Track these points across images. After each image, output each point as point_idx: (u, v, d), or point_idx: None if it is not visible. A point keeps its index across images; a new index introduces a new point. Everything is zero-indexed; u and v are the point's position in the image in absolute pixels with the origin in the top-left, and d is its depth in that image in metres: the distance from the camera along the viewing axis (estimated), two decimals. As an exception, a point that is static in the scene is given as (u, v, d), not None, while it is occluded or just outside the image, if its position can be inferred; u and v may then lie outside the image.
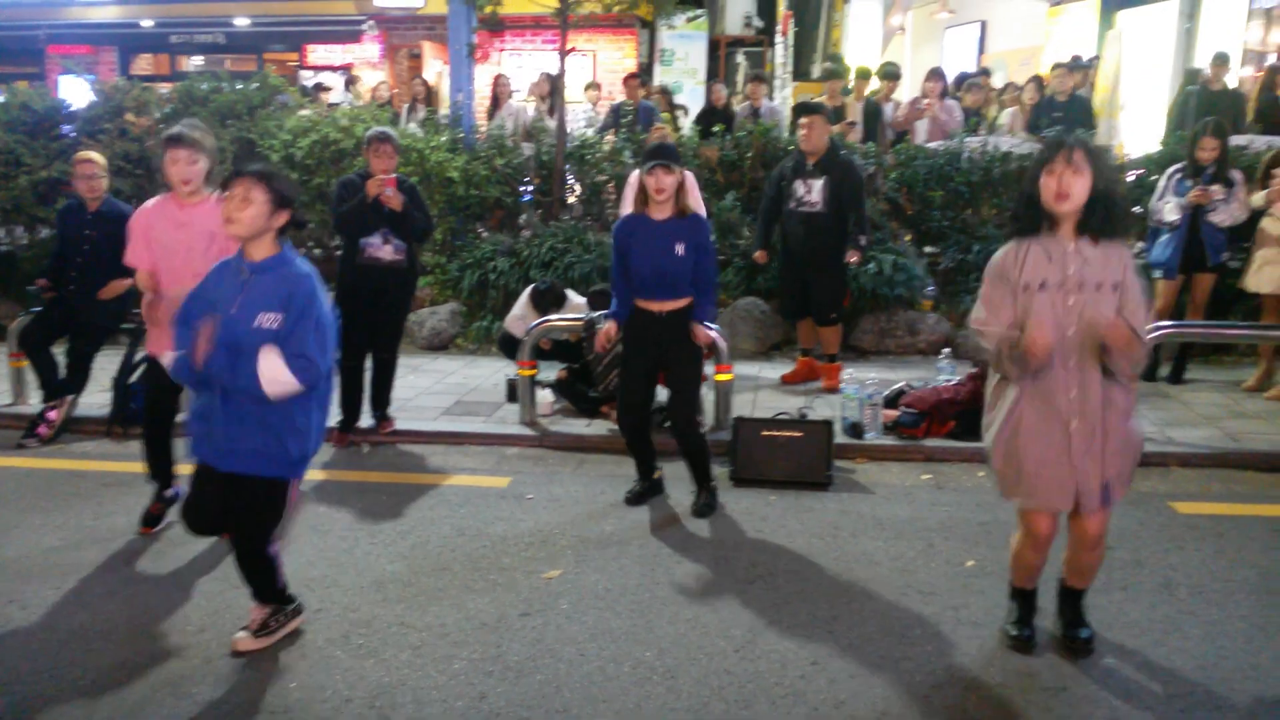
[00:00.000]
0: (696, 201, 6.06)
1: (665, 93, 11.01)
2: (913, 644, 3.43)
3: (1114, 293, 3.02)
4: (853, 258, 6.37)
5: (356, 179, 5.54)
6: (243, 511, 3.28)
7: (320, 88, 11.67)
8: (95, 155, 5.82)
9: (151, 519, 4.49)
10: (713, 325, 4.79)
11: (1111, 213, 3.02)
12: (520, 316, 6.51)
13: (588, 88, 11.66)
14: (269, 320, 3.10)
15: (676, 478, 5.17)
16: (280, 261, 3.21)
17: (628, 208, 5.37)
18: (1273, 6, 13.13)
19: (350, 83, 11.38)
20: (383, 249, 5.52)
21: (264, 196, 3.14)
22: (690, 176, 5.62)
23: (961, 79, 10.51)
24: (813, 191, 6.30)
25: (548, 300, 6.44)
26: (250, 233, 3.16)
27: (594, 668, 3.29)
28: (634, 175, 5.45)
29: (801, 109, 6.77)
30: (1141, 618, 3.55)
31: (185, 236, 4.22)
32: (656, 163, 4.40)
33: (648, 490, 4.85)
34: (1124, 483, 3.17)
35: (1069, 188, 2.98)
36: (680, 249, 4.44)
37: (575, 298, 6.59)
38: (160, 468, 4.48)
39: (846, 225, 6.35)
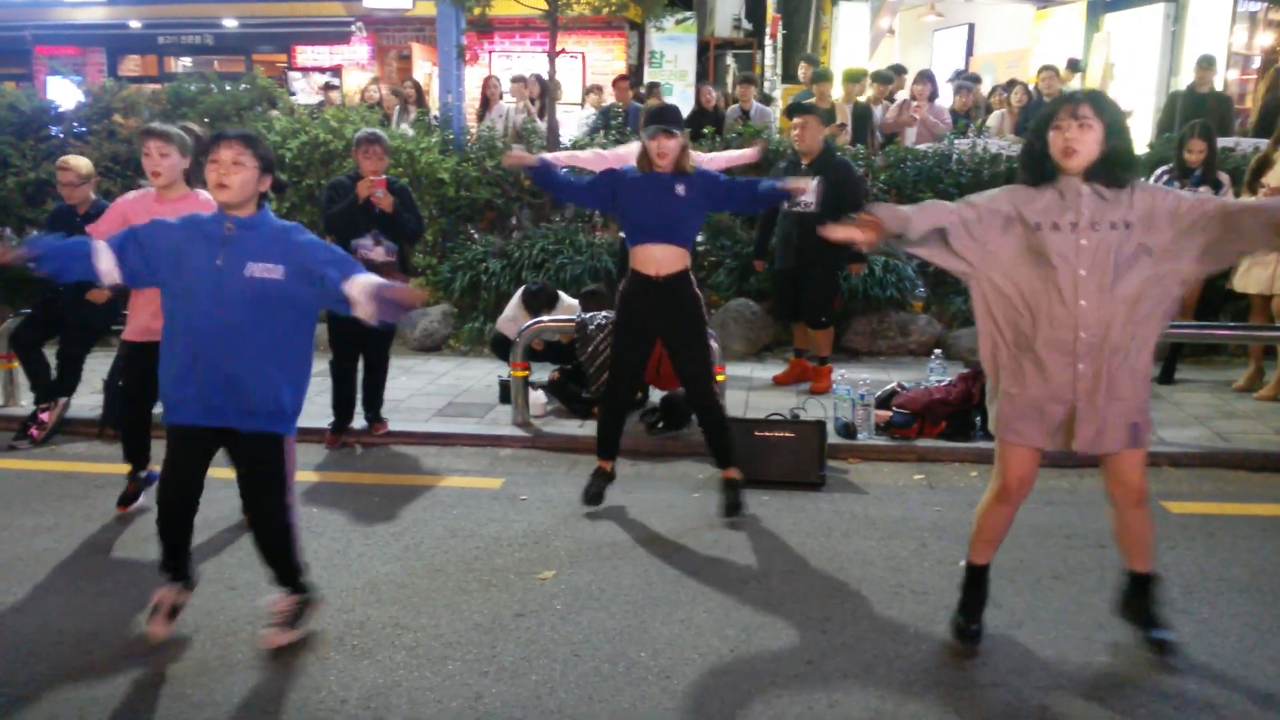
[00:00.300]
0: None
1: (655, 89, 10.98)
2: (907, 643, 3.45)
3: (1127, 231, 2.97)
4: (856, 269, 6.37)
5: (346, 181, 5.54)
6: (256, 475, 3.30)
7: (329, 86, 11.53)
8: (74, 162, 5.68)
9: (127, 498, 4.70)
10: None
11: (1120, 164, 2.99)
12: (512, 318, 6.51)
13: (589, 91, 11.60)
14: (262, 270, 3.11)
15: (671, 478, 5.18)
16: (265, 218, 3.23)
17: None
18: (1258, 10, 13.25)
19: (328, 88, 11.16)
20: (374, 250, 5.53)
21: (253, 160, 3.16)
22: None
23: (957, 76, 10.55)
24: (807, 192, 6.31)
25: (539, 301, 6.45)
26: (242, 198, 3.16)
27: (589, 668, 3.30)
28: (634, 146, 5.44)
29: (794, 109, 6.77)
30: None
31: None
32: (659, 127, 4.36)
33: (606, 482, 4.72)
34: (1148, 423, 3.11)
35: (1076, 143, 2.97)
36: (681, 189, 4.38)
37: (567, 299, 6.59)
38: (137, 450, 4.68)
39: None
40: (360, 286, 3.07)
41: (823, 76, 9.83)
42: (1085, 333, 3.01)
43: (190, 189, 4.49)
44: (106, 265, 3.17)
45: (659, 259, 4.42)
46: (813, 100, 9.09)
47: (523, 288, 6.69)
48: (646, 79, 13.80)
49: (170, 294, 3.21)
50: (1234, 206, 2.99)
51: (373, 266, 5.56)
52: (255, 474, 3.31)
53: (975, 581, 3.43)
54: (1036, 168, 3.10)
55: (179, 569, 3.46)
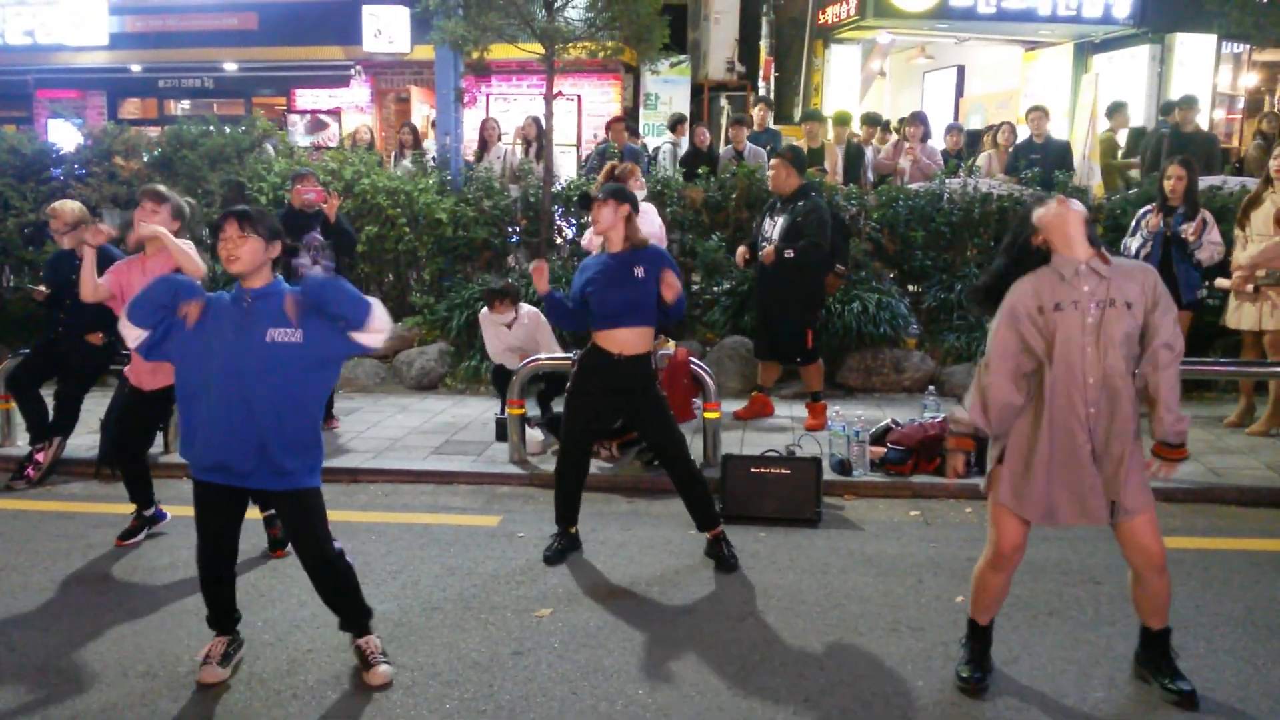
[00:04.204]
0: (655, 236, 5.97)
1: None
2: (904, 680, 3.45)
3: (1128, 310, 3.06)
4: (832, 286, 6.42)
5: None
6: (301, 530, 3.41)
7: (318, 125, 11.65)
8: (61, 209, 5.65)
9: (129, 533, 4.81)
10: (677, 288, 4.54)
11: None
12: (493, 336, 6.56)
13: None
14: (282, 334, 3.22)
15: (667, 515, 5.19)
16: (278, 287, 3.33)
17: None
18: (1241, 51, 13.48)
19: (316, 128, 11.25)
20: (313, 268, 6.24)
21: (257, 232, 3.26)
22: (650, 210, 5.81)
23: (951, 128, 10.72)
24: (775, 229, 6.44)
25: (494, 296, 6.45)
26: (251, 268, 3.27)
27: (587, 706, 3.29)
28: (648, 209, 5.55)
29: (771, 153, 7.06)
30: (1129, 651, 3.56)
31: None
32: (593, 196, 4.52)
33: (568, 545, 4.66)
34: (1141, 503, 3.16)
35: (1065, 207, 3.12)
36: (640, 271, 4.42)
37: (528, 306, 6.63)
38: (142, 493, 4.83)
39: (807, 266, 6.36)
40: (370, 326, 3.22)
41: (813, 117, 9.98)
42: (1093, 407, 3.09)
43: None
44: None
45: (624, 340, 4.46)
46: (803, 141, 9.27)
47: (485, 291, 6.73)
48: (642, 120, 13.99)
49: (192, 363, 3.27)
50: (1152, 367, 3.10)
51: None
52: (301, 527, 3.41)
53: (978, 636, 3.46)
54: (1026, 258, 3.18)
55: (225, 623, 3.53)
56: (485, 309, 6.65)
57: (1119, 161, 10.42)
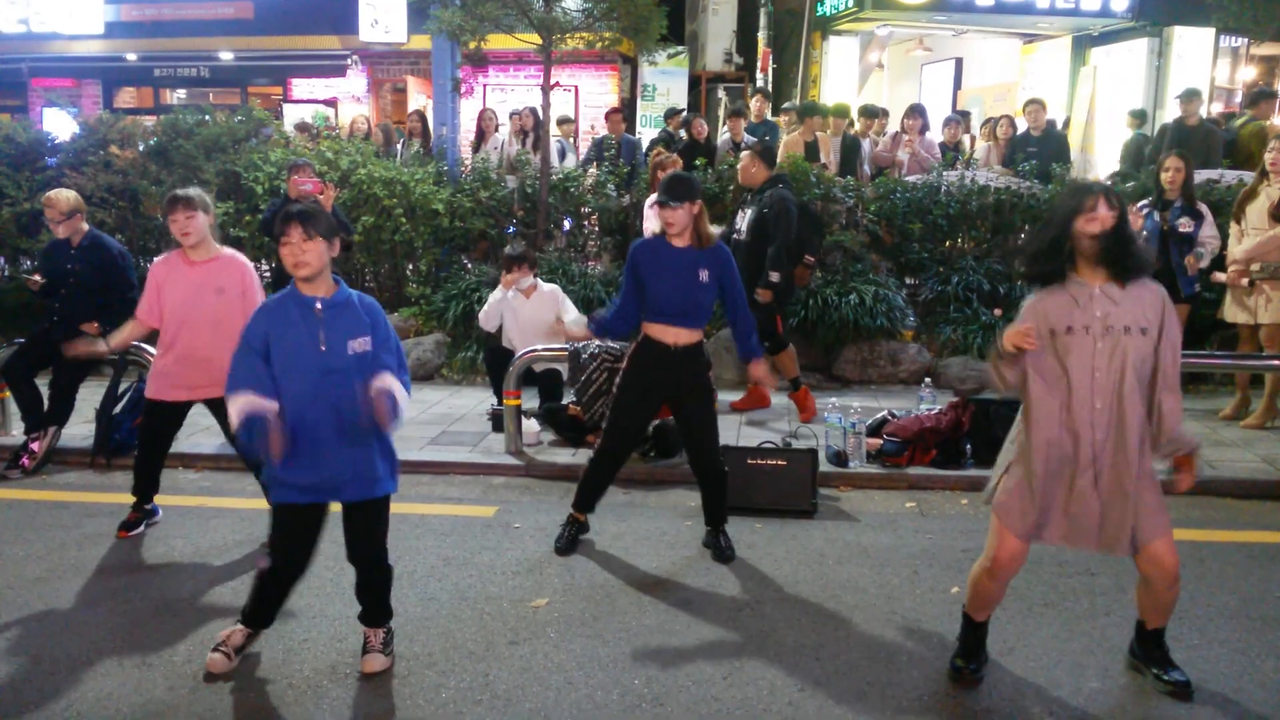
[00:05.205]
0: None
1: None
2: (899, 670, 3.46)
3: (1143, 336, 3.04)
4: (762, 295, 6.33)
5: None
6: (373, 534, 3.45)
7: (303, 127, 11.52)
8: (57, 197, 5.64)
9: (129, 524, 4.77)
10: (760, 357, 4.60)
11: (1131, 250, 3.05)
12: (509, 316, 6.51)
13: (560, 122, 11.71)
14: (359, 345, 3.26)
15: (664, 506, 5.20)
16: (347, 294, 3.34)
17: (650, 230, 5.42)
18: (1239, 45, 13.48)
19: (302, 129, 11.07)
20: None
21: (321, 234, 3.23)
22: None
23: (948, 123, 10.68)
24: (744, 221, 6.48)
25: (514, 261, 6.42)
26: (318, 271, 3.24)
27: (582, 695, 3.30)
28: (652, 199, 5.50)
29: (743, 146, 7.14)
30: (1124, 643, 3.57)
31: (194, 292, 4.52)
32: (656, 198, 4.35)
33: (579, 532, 4.68)
34: (1159, 529, 3.15)
35: (1101, 215, 3.00)
36: (705, 276, 4.31)
37: (547, 285, 6.61)
38: (148, 485, 4.78)
39: (765, 256, 6.33)
40: (379, 381, 3.20)
41: (811, 110, 9.97)
42: (1100, 433, 3.07)
43: (219, 248, 4.65)
44: (265, 404, 3.13)
45: (677, 333, 4.38)
46: (798, 134, 9.27)
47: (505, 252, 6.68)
48: (639, 112, 13.97)
49: (282, 385, 3.22)
50: (1161, 390, 3.12)
51: None
52: (372, 531, 3.45)
53: (974, 630, 3.46)
54: (1052, 262, 3.11)
55: (261, 621, 3.53)
56: (497, 291, 6.56)
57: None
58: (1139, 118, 10.51)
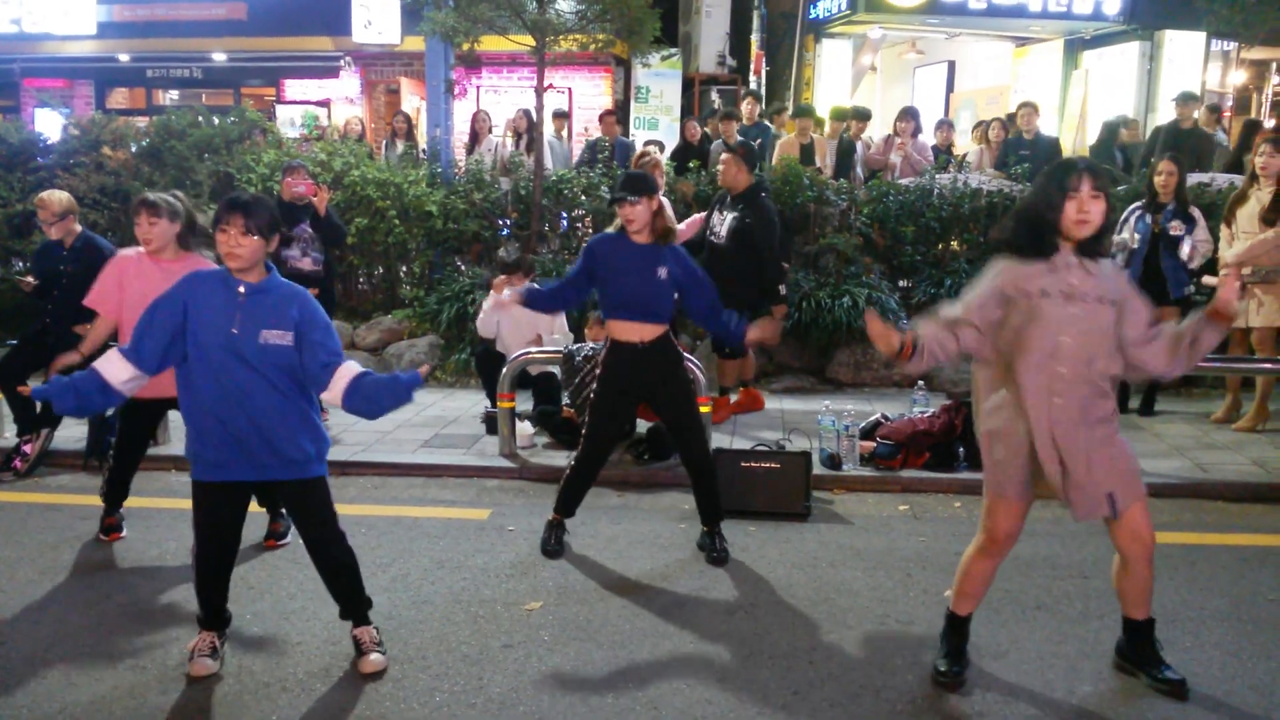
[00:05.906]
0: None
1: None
2: (893, 673, 3.46)
3: (1111, 308, 3.07)
4: (778, 312, 6.31)
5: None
6: (314, 515, 3.43)
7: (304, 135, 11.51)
8: (49, 199, 5.63)
9: (111, 528, 4.75)
10: (747, 326, 4.53)
11: (1105, 234, 3.12)
12: (505, 321, 6.49)
13: (555, 116, 11.73)
14: (275, 336, 3.21)
15: (657, 509, 5.20)
16: (275, 283, 3.31)
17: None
18: (1230, 49, 13.54)
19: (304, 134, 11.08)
20: (302, 261, 6.47)
21: (260, 231, 3.23)
22: (664, 205, 5.71)
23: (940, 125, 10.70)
24: (723, 225, 6.44)
25: (511, 269, 6.42)
26: (253, 263, 3.24)
27: (576, 699, 3.30)
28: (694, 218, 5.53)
29: (724, 147, 7.11)
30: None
31: (159, 286, 4.33)
32: (618, 196, 4.36)
33: (562, 533, 4.67)
34: (1135, 492, 3.18)
35: (1091, 214, 3.03)
36: (663, 273, 4.34)
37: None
38: (119, 494, 4.75)
39: (748, 265, 6.28)
40: (341, 378, 3.21)
41: (804, 112, 9.98)
42: (1059, 398, 3.08)
43: (186, 252, 4.61)
44: (123, 375, 3.19)
45: (641, 329, 4.40)
46: (793, 135, 9.27)
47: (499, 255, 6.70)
48: (633, 114, 13.98)
49: (187, 359, 3.24)
50: (1175, 334, 3.12)
51: (300, 276, 5.77)
52: (312, 513, 3.43)
53: (956, 630, 3.46)
54: (1035, 239, 3.13)
55: (217, 623, 3.51)
56: (490, 297, 6.53)
57: None
58: (1110, 131, 10.40)
